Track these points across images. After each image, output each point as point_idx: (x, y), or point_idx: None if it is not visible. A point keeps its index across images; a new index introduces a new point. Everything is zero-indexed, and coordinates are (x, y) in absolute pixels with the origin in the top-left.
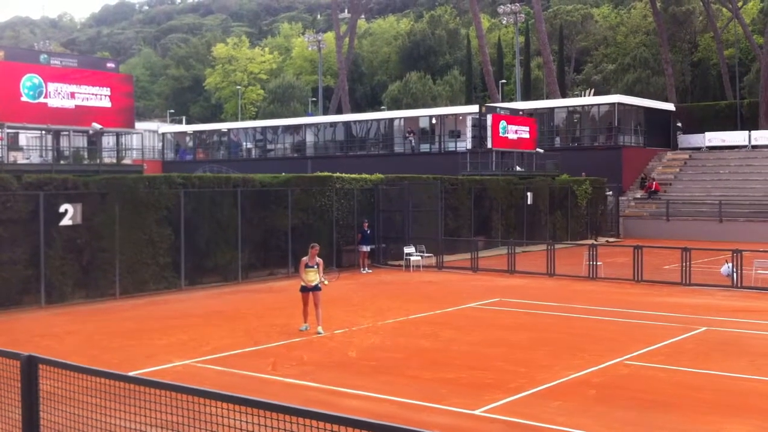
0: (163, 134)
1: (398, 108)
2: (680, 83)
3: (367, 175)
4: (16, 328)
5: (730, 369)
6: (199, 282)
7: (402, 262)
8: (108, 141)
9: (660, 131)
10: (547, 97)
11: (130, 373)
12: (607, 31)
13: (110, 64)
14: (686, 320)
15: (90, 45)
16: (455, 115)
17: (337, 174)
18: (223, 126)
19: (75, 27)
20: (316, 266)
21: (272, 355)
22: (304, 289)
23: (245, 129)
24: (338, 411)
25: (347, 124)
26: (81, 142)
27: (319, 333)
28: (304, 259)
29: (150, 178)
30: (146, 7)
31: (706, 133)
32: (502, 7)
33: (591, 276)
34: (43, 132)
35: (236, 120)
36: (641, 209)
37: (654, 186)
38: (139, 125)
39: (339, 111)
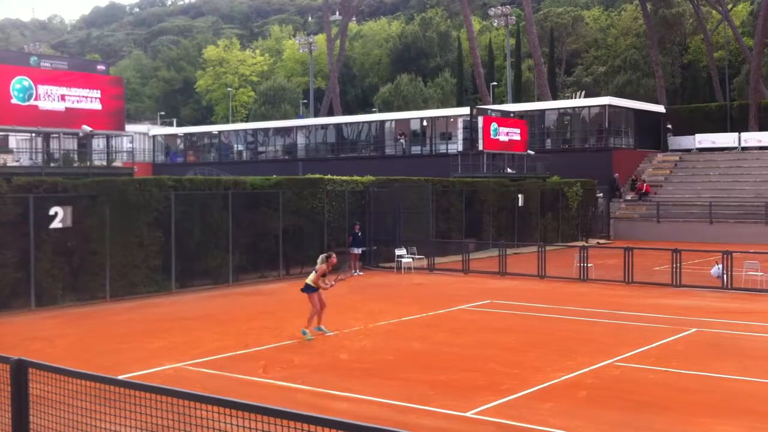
0: (154, 137)
1: (389, 110)
2: (670, 85)
3: (358, 177)
4: (5, 332)
5: (721, 370)
6: (189, 285)
7: (393, 265)
8: (98, 143)
9: (650, 133)
10: (538, 99)
11: (121, 377)
12: (598, 33)
13: (100, 67)
14: (676, 321)
15: (80, 47)
16: (446, 117)
17: (329, 176)
18: (214, 128)
19: (65, 29)
20: (314, 271)
21: (263, 357)
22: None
23: (236, 131)
24: (329, 414)
25: (338, 127)
26: (71, 144)
27: (303, 333)
28: (323, 267)
29: (140, 180)
30: (136, 9)
31: (696, 135)
32: (492, 9)
33: (582, 278)
34: (33, 134)
35: (227, 122)
36: (632, 211)
37: (644, 188)
38: (130, 127)
39: (330, 113)
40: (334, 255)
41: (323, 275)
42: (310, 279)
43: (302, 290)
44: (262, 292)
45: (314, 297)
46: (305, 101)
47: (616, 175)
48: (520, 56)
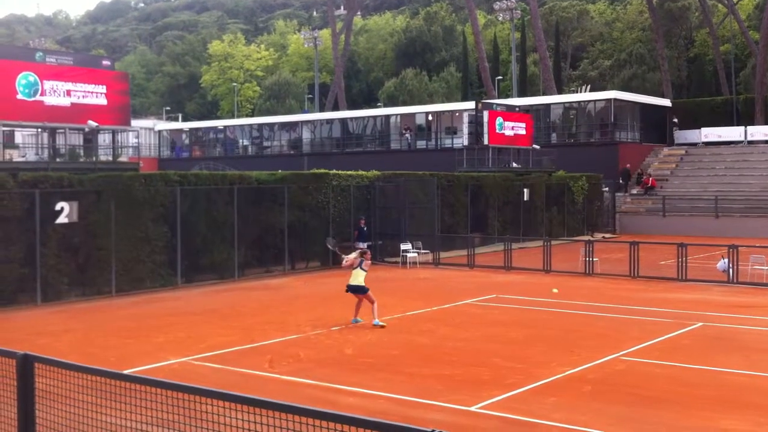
0: (159, 132)
1: (394, 105)
2: (676, 79)
3: (363, 172)
4: (11, 327)
5: (726, 364)
6: (195, 280)
7: (398, 259)
8: (104, 139)
9: (656, 127)
10: (544, 94)
11: (127, 371)
12: (603, 27)
13: (106, 62)
14: (682, 316)
15: (85, 43)
16: (451, 111)
17: (334, 171)
18: (220, 123)
19: (70, 24)
20: (361, 269)
21: (269, 352)
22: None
23: (241, 126)
24: (335, 408)
25: (343, 121)
26: (77, 139)
27: (376, 324)
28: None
29: (146, 175)
30: (141, 5)
31: (702, 129)
32: (497, 3)
33: (587, 272)
34: (39, 130)
35: (232, 117)
36: (638, 205)
37: (650, 182)
38: (135, 123)
39: (335, 108)
40: (368, 252)
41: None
42: (360, 281)
43: (355, 292)
44: (267, 287)
45: (369, 294)
46: (310, 96)
47: (628, 165)
48: (525, 50)
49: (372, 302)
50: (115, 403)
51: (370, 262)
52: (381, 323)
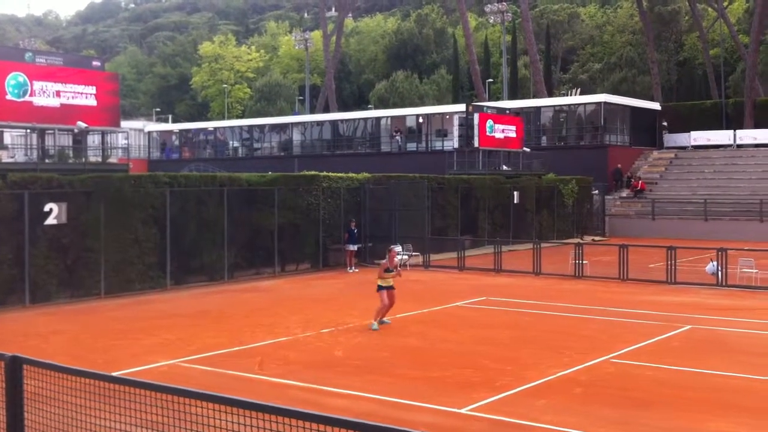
0: (149, 133)
1: (385, 107)
2: (666, 82)
3: (354, 174)
4: None
5: (715, 367)
6: (184, 282)
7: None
8: (93, 140)
9: (646, 130)
10: (534, 96)
11: (116, 373)
12: (594, 30)
13: (96, 63)
14: (671, 318)
15: (75, 43)
16: (442, 114)
17: (324, 173)
18: (210, 125)
19: (60, 25)
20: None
21: (258, 354)
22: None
23: (232, 128)
24: (324, 410)
25: (334, 123)
26: (66, 140)
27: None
28: (384, 263)
29: (136, 177)
30: (132, 5)
31: (692, 133)
32: (489, 6)
33: (577, 275)
34: (28, 130)
35: (223, 119)
36: (627, 208)
37: (640, 185)
38: (125, 124)
39: (326, 110)
40: (393, 249)
41: (386, 270)
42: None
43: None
44: (257, 289)
45: (383, 294)
46: (301, 98)
47: (619, 165)
48: (516, 53)
49: (379, 303)
50: (104, 405)
51: (384, 263)
52: (375, 327)
